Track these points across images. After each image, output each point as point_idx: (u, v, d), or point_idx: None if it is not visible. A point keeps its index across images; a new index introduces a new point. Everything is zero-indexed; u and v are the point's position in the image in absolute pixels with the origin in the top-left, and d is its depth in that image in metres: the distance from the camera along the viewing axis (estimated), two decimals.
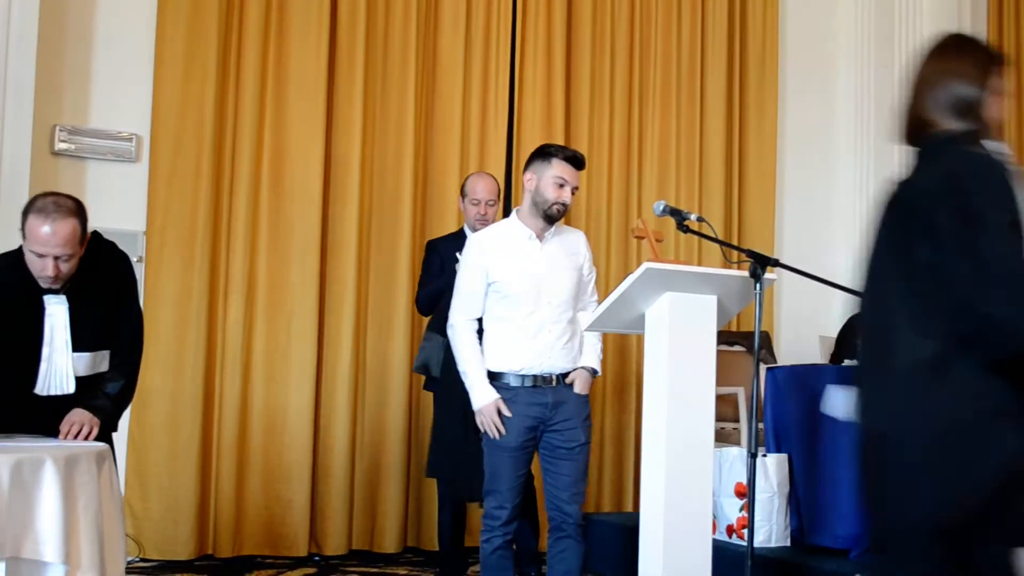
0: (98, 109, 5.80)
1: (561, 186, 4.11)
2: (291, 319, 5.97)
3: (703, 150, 7.16)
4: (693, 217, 3.97)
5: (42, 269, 3.56)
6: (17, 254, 3.67)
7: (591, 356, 4.21)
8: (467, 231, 5.30)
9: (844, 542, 4.83)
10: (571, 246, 4.28)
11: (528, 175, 4.17)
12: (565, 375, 4.14)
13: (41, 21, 5.52)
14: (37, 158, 5.56)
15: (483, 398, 4.09)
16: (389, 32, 6.33)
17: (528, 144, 6.58)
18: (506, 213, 6.51)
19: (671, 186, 6.99)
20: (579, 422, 4.12)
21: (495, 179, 5.49)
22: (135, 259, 5.76)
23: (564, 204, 4.14)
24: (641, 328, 3.86)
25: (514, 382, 4.10)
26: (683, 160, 7.07)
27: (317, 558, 5.94)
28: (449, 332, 4.25)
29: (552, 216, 4.15)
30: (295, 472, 5.90)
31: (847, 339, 6.03)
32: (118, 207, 5.78)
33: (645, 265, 3.64)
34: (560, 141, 6.64)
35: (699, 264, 6.66)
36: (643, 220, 4.15)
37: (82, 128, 5.74)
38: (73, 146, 5.70)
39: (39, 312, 3.67)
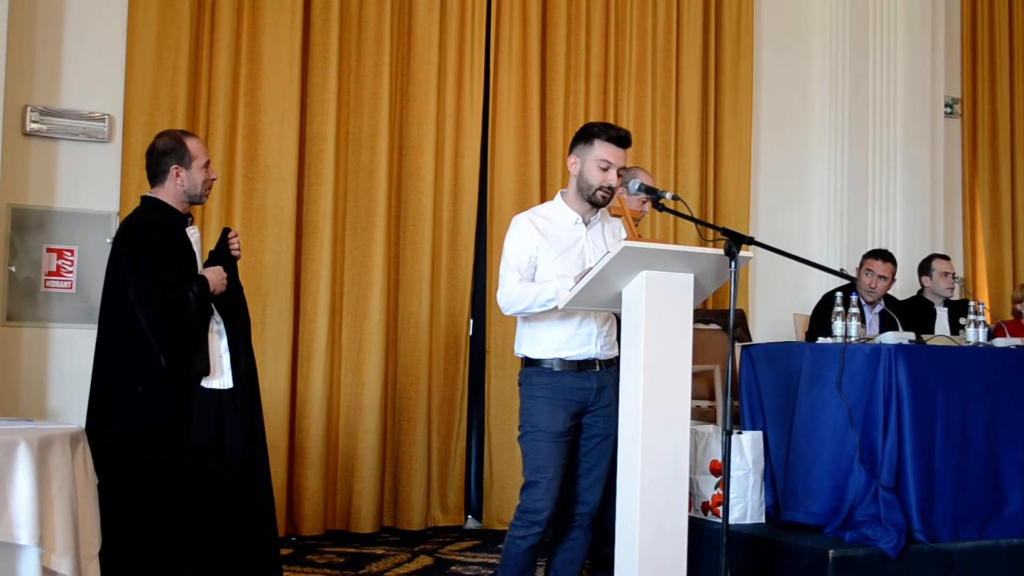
0: (70, 89, 5.74)
1: (605, 169, 3.96)
2: (266, 299, 5.94)
3: (678, 128, 7.17)
4: (668, 195, 3.94)
5: None
6: None
7: None
8: None
9: (818, 518, 4.86)
10: (616, 232, 4.15)
11: (572, 159, 4.03)
12: (607, 361, 4.04)
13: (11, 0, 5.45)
14: (8, 139, 5.50)
15: (555, 288, 3.83)
16: (364, 8, 6.28)
17: (504, 121, 6.57)
18: (481, 194, 6.52)
19: (647, 164, 6.98)
20: (616, 409, 3.94)
21: None
22: (108, 240, 5.75)
23: (610, 188, 3.98)
24: (618, 306, 3.86)
25: (558, 367, 3.97)
26: (659, 138, 7.08)
27: (294, 539, 5.93)
28: (504, 308, 3.98)
29: (597, 202, 4.02)
30: (271, 453, 5.77)
31: (822, 316, 6.05)
32: (91, 188, 5.74)
33: (622, 244, 3.64)
34: (535, 118, 6.63)
35: (675, 242, 6.68)
36: (620, 198, 4.13)
37: (54, 108, 5.67)
38: (45, 127, 5.64)
39: None
